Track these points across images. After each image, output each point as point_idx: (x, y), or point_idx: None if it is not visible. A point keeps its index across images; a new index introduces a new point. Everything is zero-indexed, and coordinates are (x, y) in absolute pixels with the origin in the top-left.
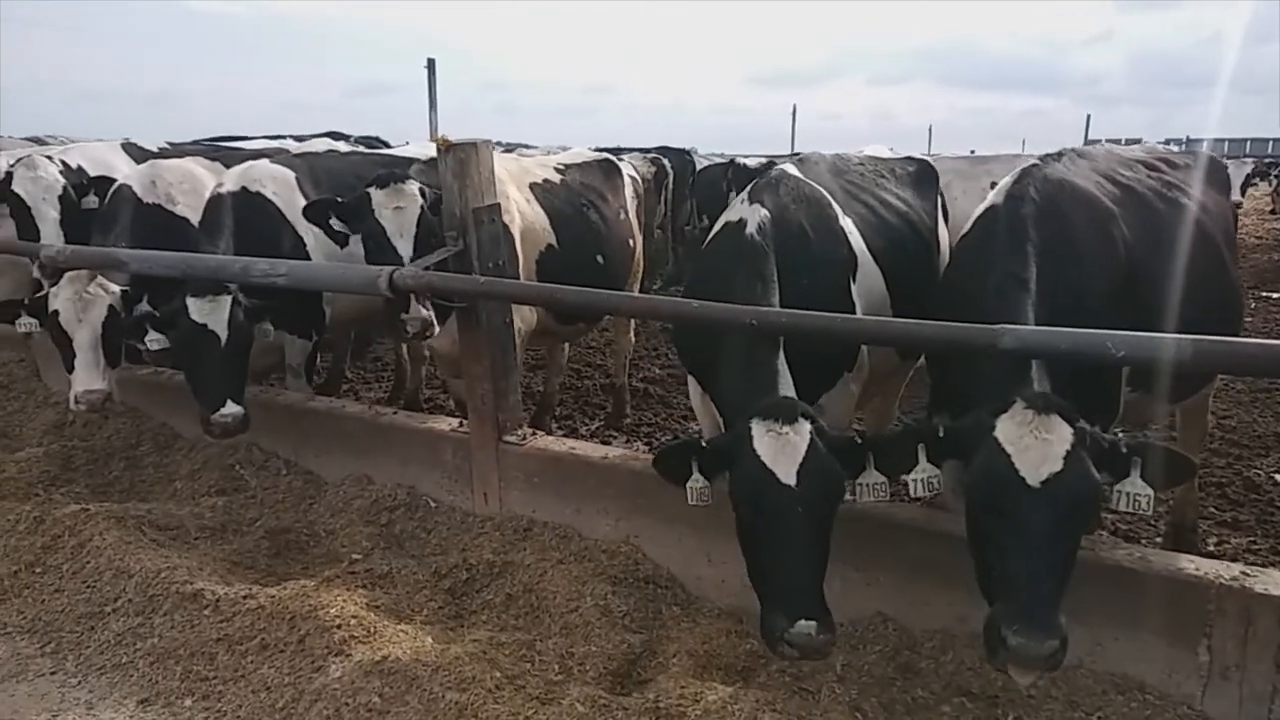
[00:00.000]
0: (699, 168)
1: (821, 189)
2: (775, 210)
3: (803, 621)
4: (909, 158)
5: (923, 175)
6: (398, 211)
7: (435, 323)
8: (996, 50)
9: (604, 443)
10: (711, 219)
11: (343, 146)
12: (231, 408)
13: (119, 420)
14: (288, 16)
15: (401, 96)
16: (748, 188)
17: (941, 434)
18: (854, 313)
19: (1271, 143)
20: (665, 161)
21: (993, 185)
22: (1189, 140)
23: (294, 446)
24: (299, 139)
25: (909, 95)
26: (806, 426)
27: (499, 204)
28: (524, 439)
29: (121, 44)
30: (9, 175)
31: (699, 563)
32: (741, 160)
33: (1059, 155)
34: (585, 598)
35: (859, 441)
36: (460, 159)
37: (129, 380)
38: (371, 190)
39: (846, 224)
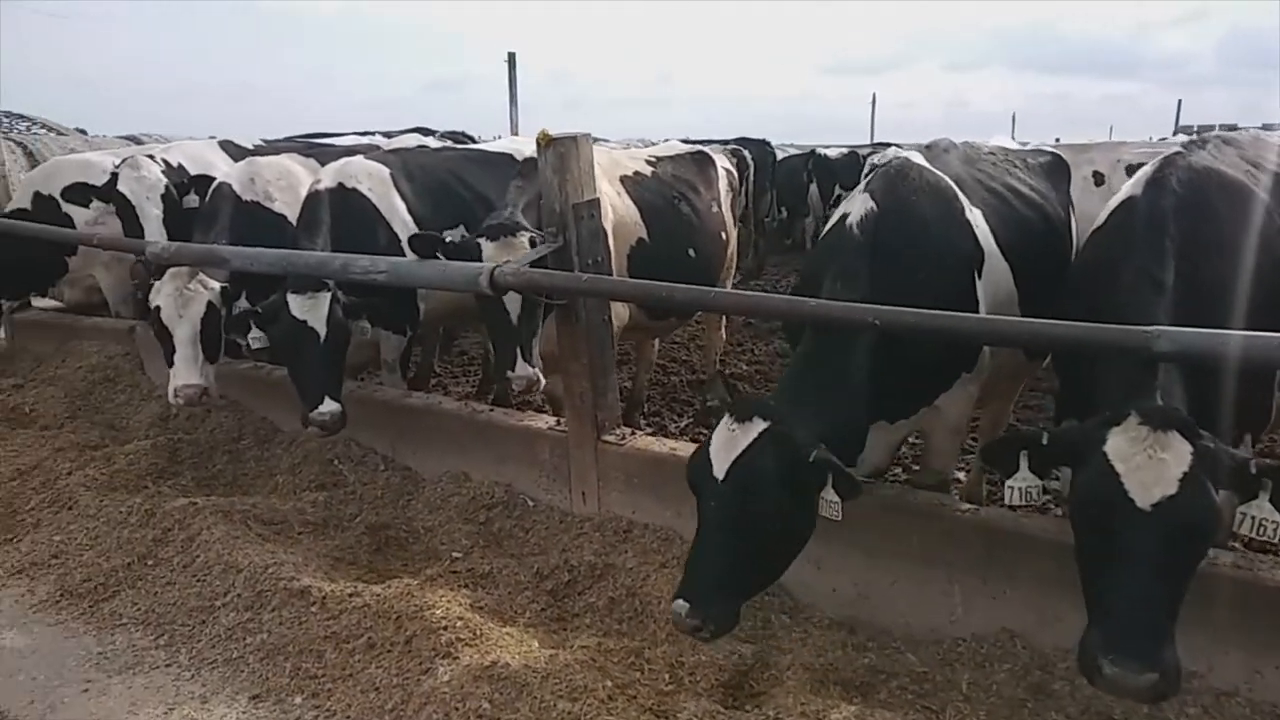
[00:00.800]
0: (779, 159)
1: (947, 178)
2: (886, 201)
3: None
4: (1039, 149)
5: (1055, 168)
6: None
7: (542, 378)
8: (1075, 33)
9: (694, 441)
10: (791, 211)
11: (432, 142)
12: (329, 405)
13: (221, 414)
14: (360, 15)
15: (473, 91)
16: (867, 177)
17: (1046, 441)
18: (976, 310)
19: None
20: (745, 153)
21: (1095, 174)
22: None
23: (391, 442)
24: (388, 135)
25: (984, 81)
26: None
27: (599, 199)
28: (623, 438)
29: (203, 42)
30: (114, 176)
31: (807, 570)
32: (822, 151)
33: (1203, 141)
34: None
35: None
36: (560, 153)
37: (230, 374)
38: (483, 241)
39: (974, 216)
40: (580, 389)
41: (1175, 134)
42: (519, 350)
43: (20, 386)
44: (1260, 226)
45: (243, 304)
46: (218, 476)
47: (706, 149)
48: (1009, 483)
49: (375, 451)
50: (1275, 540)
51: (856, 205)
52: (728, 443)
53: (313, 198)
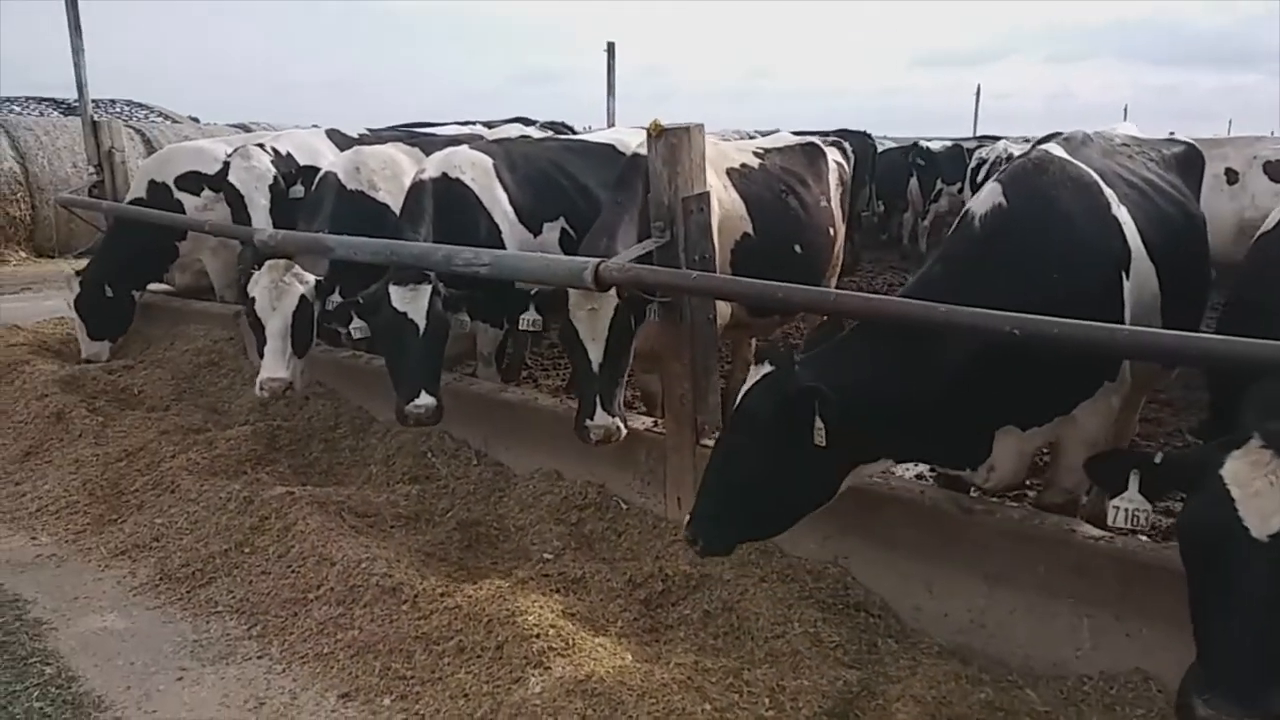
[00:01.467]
0: (878, 151)
1: (1091, 171)
2: (1018, 195)
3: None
4: (1171, 139)
5: (1190, 159)
6: (591, 314)
7: (623, 428)
8: (1184, 23)
9: None
10: (888, 205)
11: (534, 132)
12: (425, 398)
13: (319, 401)
14: (453, 10)
15: (564, 84)
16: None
17: (1159, 461)
18: (1121, 313)
19: None
20: (845, 145)
21: (1228, 171)
22: None
23: (485, 437)
24: (488, 125)
25: (1089, 73)
26: None
27: (708, 193)
28: None
29: (311, 37)
30: (226, 165)
31: (918, 592)
32: (924, 143)
33: None
34: (793, 623)
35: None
36: (672, 145)
37: (327, 362)
38: (570, 291)
39: (1121, 213)
40: (680, 390)
41: None
42: (599, 398)
43: (131, 368)
44: None
45: (336, 298)
46: (313, 464)
47: (818, 141)
48: (1114, 502)
49: (468, 445)
50: None
51: (983, 198)
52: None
53: (417, 187)
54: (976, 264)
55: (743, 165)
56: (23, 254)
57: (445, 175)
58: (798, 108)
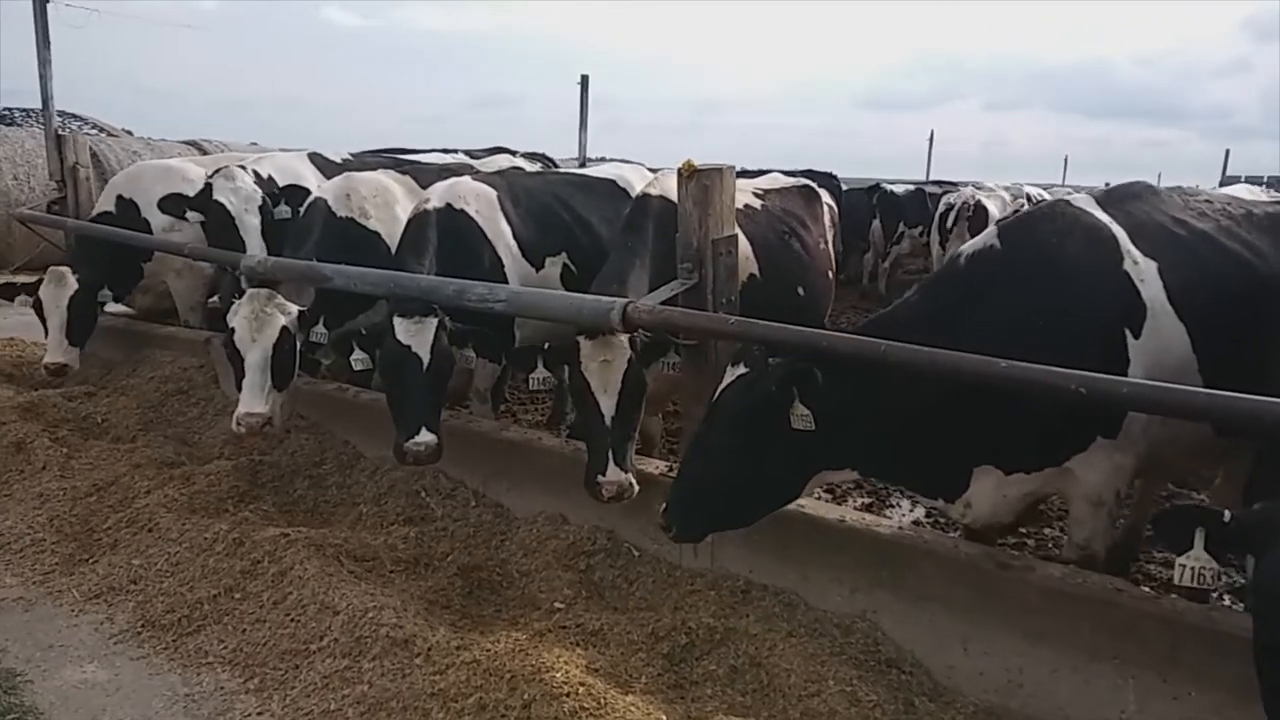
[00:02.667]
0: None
1: (1114, 224)
2: (1014, 240)
3: None
4: (1275, 200)
5: None
6: (604, 366)
7: (635, 484)
8: (1117, 78)
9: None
10: (847, 246)
11: (521, 163)
12: (425, 435)
13: (301, 435)
14: (406, 31)
15: (516, 109)
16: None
17: (1228, 520)
18: (1121, 369)
19: None
20: (812, 186)
21: None
22: None
23: (484, 477)
24: (470, 154)
25: (1024, 121)
26: None
27: (736, 235)
28: None
29: (259, 53)
30: (209, 185)
31: (953, 650)
32: (888, 186)
33: None
34: (828, 680)
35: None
36: (704, 186)
37: (311, 395)
38: (581, 340)
39: (1140, 267)
40: None
41: (1221, 184)
42: (610, 452)
43: (92, 395)
44: None
45: (321, 329)
46: (299, 502)
47: (811, 183)
48: (1180, 560)
49: (465, 485)
50: None
51: (979, 238)
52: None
53: (420, 217)
54: (956, 303)
55: (746, 206)
56: None
57: (450, 206)
58: (746, 142)
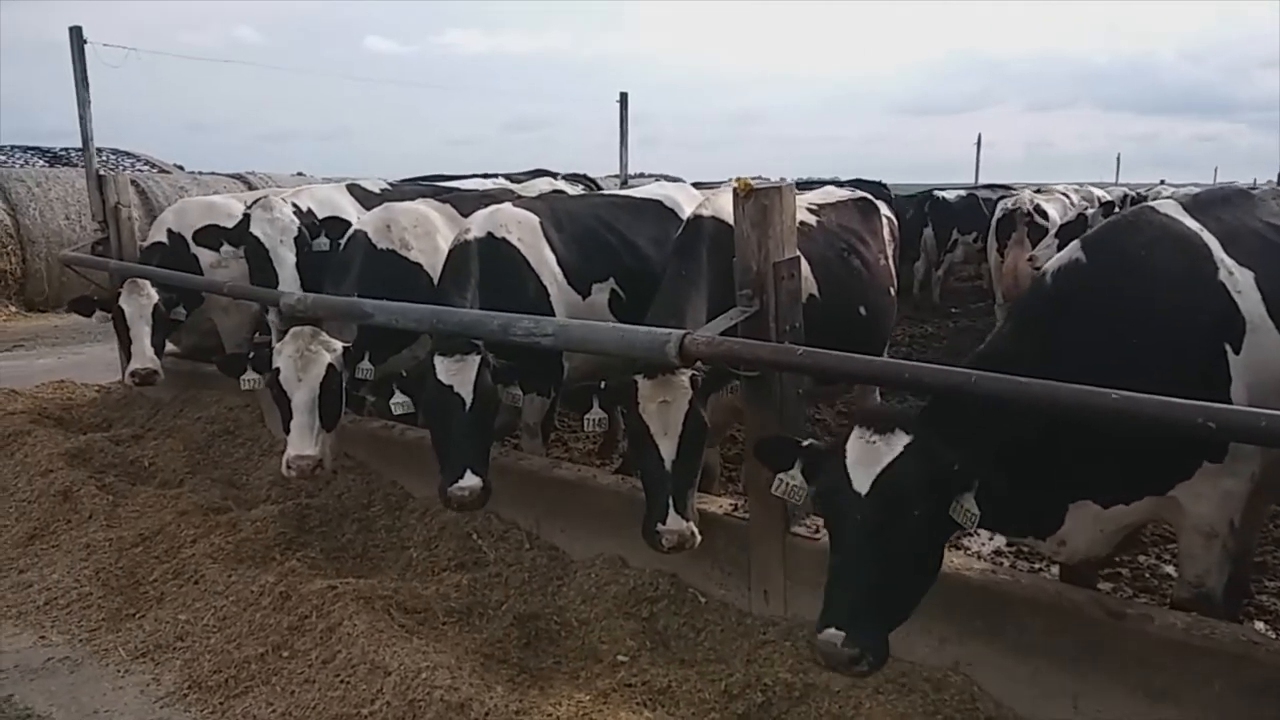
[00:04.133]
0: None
1: (1205, 232)
2: (1101, 252)
3: None
4: None
5: None
6: (664, 407)
7: (697, 534)
8: (1162, 73)
9: None
10: (901, 257)
11: (563, 185)
12: (470, 479)
13: (349, 476)
14: (445, 57)
15: (555, 130)
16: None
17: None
18: (1223, 386)
19: None
20: (869, 199)
21: None
22: None
23: (537, 518)
24: (511, 178)
25: (1068, 121)
26: None
27: (799, 258)
28: (817, 531)
29: (303, 84)
30: (246, 217)
31: (1060, 707)
32: (940, 193)
33: None
34: None
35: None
36: (763, 206)
37: (358, 434)
38: (639, 379)
39: (1236, 278)
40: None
41: None
42: (671, 499)
43: (139, 437)
44: None
45: (367, 365)
46: (347, 548)
47: (870, 196)
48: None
49: (518, 527)
50: None
51: (1064, 253)
52: (868, 455)
53: (461, 248)
54: (1048, 326)
55: (802, 223)
56: (13, 308)
57: (491, 235)
58: (787, 154)
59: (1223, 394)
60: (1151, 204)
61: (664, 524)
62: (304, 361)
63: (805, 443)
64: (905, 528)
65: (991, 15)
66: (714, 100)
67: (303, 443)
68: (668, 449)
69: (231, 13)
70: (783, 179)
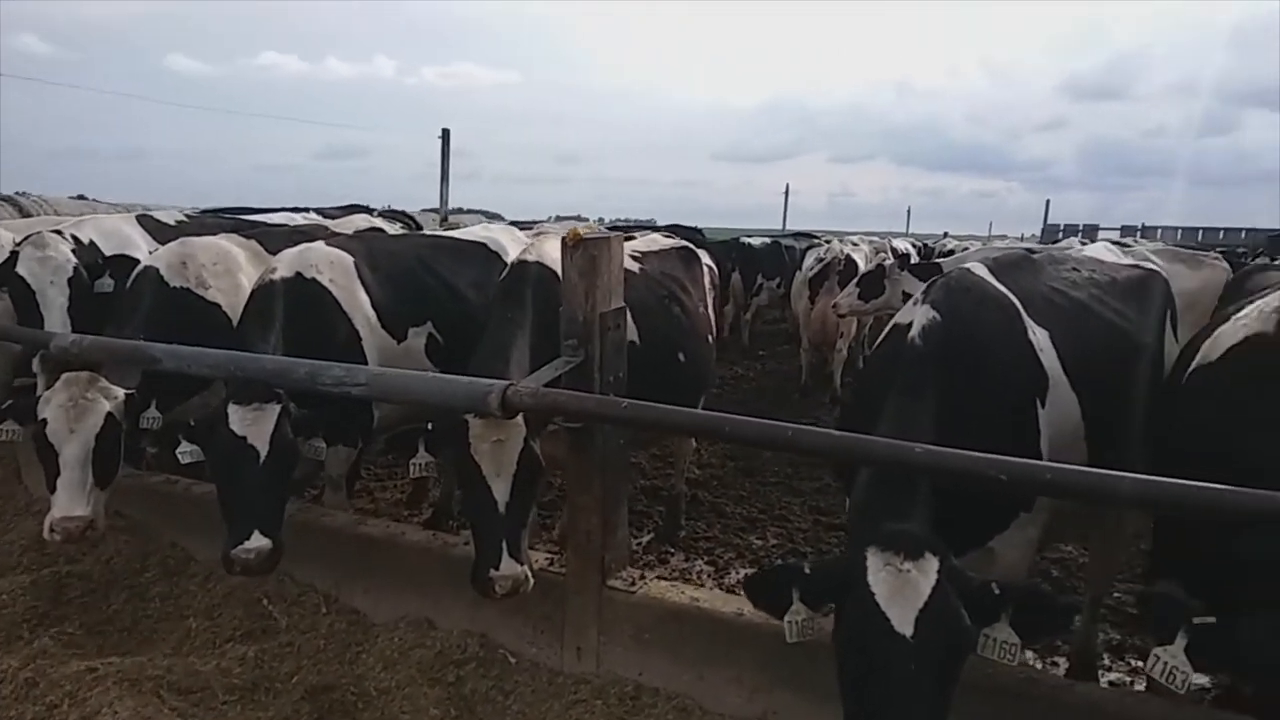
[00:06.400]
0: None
1: (1008, 293)
2: (948, 312)
3: None
4: (1134, 264)
5: (1147, 285)
6: (497, 446)
7: (531, 577)
8: (953, 133)
9: (662, 560)
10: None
11: (379, 222)
12: (258, 540)
13: (120, 537)
14: (259, 81)
15: (369, 160)
16: (923, 288)
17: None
18: (1034, 439)
19: (1223, 231)
20: (690, 247)
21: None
22: (1144, 228)
23: (337, 579)
24: (323, 212)
25: (867, 174)
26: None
27: (624, 309)
28: (633, 584)
29: (97, 101)
30: (13, 255)
31: None
32: (745, 239)
33: None
34: None
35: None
36: (591, 256)
37: (134, 489)
38: (470, 419)
39: (1038, 337)
40: (588, 525)
41: (1044, 231)
42: (504, 543)
43: None
44: None
45: (154, 413)
46: (114, 620)
47: (690, 244)
48: (1158, 651)
49: (315, 589)
50: None
51: (917, 315)
52: (904, 588)
53: (265, 289)
54: (933, 386)
55: (624, 270)
56: None
57: (299, 275)
58: (606, 194)
59: (1034, 446)
60: (966, 266)
61: (497, 569)
62: (78, 411)
63: (806, 568)
64: (957, 663)
65: (808, 69)
66: (537, 137)
67: (72, 502)
68: (501, 490)
69: (12, 18)
70: (600, 220)
